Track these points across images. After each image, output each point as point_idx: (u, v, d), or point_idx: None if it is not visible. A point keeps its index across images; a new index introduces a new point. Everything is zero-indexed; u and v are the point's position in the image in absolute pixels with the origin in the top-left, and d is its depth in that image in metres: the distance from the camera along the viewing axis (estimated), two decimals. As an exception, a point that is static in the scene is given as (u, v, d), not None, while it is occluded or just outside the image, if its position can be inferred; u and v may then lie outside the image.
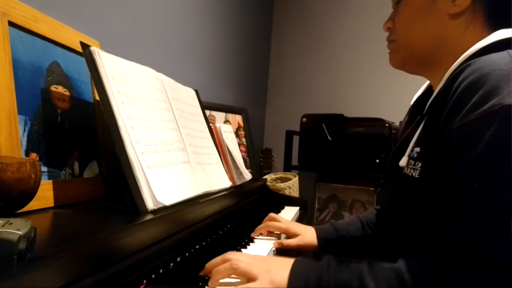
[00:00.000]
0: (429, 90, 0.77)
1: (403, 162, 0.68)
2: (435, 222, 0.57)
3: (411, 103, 0.82)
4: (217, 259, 0.62)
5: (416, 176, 0.63)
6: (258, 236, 0.93)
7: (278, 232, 0.94)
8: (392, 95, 2.21)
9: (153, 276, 0.60)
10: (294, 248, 0.88)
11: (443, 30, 0.66)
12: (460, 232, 0.52)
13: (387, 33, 0.76)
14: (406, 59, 0.73)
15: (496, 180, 0.50)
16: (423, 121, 0.65)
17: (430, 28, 0.67)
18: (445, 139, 0.56)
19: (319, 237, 0.90)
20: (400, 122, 0.91)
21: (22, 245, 0.36)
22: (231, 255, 0.62)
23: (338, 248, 0.91)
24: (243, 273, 0.59)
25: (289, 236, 0.91)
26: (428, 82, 0.78)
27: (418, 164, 0.63)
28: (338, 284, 0.56)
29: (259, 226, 0.93)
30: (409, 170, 0.65)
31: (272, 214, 0.97)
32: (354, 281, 0.55)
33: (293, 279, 0.58)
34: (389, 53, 0.76)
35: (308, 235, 0.90)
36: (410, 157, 0.66)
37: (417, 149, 0.64)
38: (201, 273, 0.62)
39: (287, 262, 0.61)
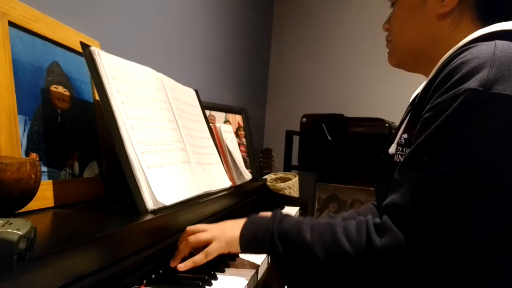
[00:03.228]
0: None
1: (392, 149, 0.70)
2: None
3: (410, 100, 0.82)
4: (182, 235, 0.69)
5: None
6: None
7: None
8: (392, 95, 2.21)
9: (153, 276, 0.60)
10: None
11: (433, 29, 0.69)
12: (401, 194, 0.56)
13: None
14: (402, 58, 0.76)
15: (442, 155, 0.53)
16: (412, 110, 0.68)
17: (421, 28, 0.70)
18: (419, 122, 0.60)
19: None
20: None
21: (22, 245, 0.36)
22: (191, 227, 0.70)
23: None
24: (200, 242, 0.67)
25: None
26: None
27: (406, 150, 0.65)
28: (281, 233, 0.64)
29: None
30: (397, 157, 0.67)
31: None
32: (293, 230, 0.63)
33: (244, 231, 0.67)
34: (388, 52, 0.79)
35: None
36: (398, 144, 0.68)
37: (405, 136, 0.66)
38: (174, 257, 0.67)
39: (241, 221, 0.69)
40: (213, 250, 0.66)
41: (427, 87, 0.63)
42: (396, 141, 0.70)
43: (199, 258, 0.65)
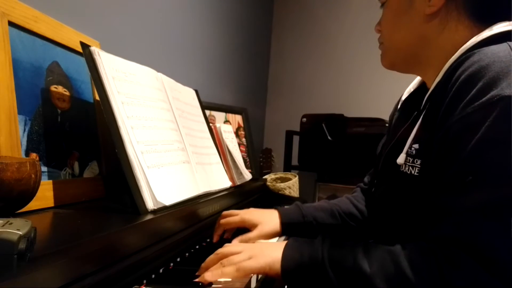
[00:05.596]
0: (421, 86, 0.77)
1: (400, 159, 0.67)
2: (431, 216, 0.56)
3: (403, 98, 0.81)
4: (211, 257, 0.62)
5: (415, 173, 0.62)
6: (218, 240, 0.83)
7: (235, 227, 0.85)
8: (393, 95, 2.20)
9: (153, 276, 0.60)
10: (255, 240, 0.80)
11: (422, 30, 0.67)
12: (454, 225, 0.52)
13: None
14: (394, 59, 0.75)
15: (491, 174, 0.50)
16: (421, 117, 0.65)
17: (410, 29, 0.69)
18: (443, 134, 0.56)
19: (282, 222, 0.85)
20: (389, 118, 0.91)
21: (22, 245, 0.36)
22: (223, 249, 0.62)
23: (303, 233, 0.86)
24: (232, 257, 0.60)
25: (249, 228, 0.83)
26: (419, 77, 0.78)
27: (417, 162, 0.63)
28: (332, 259, 0.56)
29: (215, 227, 0.84)
30: (407, 168, 0.64)
31: (225, 212, 0.86)
32: (347, 258, 0.55)
33: (286, 253, 0.59)
34: (380, 55, 0.77)
35: (268, 223, 0.83)
36: (408, 154, 0.65)
37: (416, 146, 0.64)
38: (198, 273, 0.61)
39: (281, 243, 0.62)
40: (248, 267, 0.58)
41: (437, 92, 0.61)
42: (405, 150, 0.66)
43: (229, 270, 0.57)
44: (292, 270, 0.58)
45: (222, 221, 0.84)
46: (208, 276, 0.57)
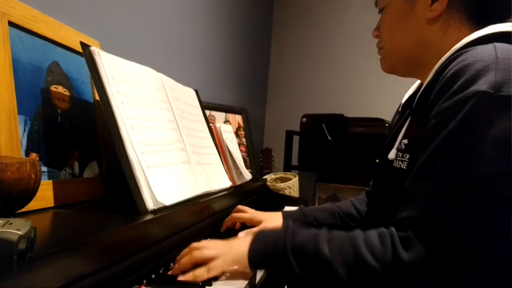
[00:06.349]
0: (419, 89, 0.78)
1: (391, 155, 0.69)
2: (399, 201, 0.59)
3: (402, 101, 0.83)
4: (185, 250, 0.65)
5: (404, 167, 0.64)
6: (225, 230, 0.92)
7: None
8: (392, 95, 2.20)
9: (153, 276, 0.60)
10: None
11: (424, 34, 0.69)
12: (415, 208, 0.54)
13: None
14: (395, 64, 0.76)
15: (458, 161, 0.52)
16: (411, 115, 0.67)
17: (411, 34, 0.70)
18: (424, 127, 0.58)
19: (284, 222, 0.91)
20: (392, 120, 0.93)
21: (22, 245, 0.36)
22: (197, 244, 0.65)
23: None
24: (204, 258, 0.62)
25: (254, 225, 0.90)
26: (419, 81, 0.80)
27: (406, 156, 0.64)
28: (294, 246, 0.60)
29: (226, 219, 0.93)
30: (397, 163, 0.66)
31: (239, 206, 0.96)
32: (309, 243, 0.59)
33: (252, 245, 0.63)
34: (380, 59, 0.79)
35: (271, 221, 0.90)
36: (398, 150, 0.67)
37: (405, 141, 0.66)
38: (172, 265, 0.63)
39: (248, 237, 0.66)
40: (217, 266, 0.62)
41: (427, 90, 0.62)
42: (395, 146, 0.69)
43: (201, 272, 0.60)
44: (258, 261, 0.62)
45: (235, 215, 0.93)
46: (180, 279, 0.60)
